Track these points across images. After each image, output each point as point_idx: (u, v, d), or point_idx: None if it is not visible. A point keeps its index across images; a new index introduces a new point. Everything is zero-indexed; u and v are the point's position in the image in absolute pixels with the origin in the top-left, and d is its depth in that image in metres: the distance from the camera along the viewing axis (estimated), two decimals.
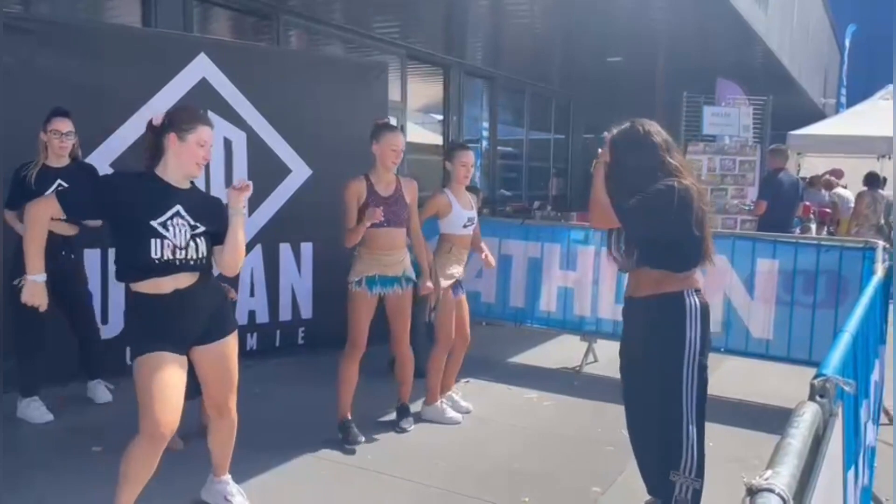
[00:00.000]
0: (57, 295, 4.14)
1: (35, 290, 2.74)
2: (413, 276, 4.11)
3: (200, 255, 2.76)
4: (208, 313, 2.84)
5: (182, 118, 2.76)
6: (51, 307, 4.11)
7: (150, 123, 2.79)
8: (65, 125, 4.09)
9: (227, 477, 3.21)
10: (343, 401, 4.03)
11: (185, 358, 2.78)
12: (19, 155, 4.15)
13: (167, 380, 2.67)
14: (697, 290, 2.87)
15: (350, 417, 4.03)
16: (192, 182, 2.87)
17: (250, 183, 2.86)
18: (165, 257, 2.66)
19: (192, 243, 2.72)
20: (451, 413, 4.43)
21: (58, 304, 4.17)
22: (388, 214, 3.90)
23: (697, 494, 2.79)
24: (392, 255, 3.97)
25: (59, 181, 4.06)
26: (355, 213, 3.88)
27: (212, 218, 2.83)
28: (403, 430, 4.23)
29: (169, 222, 2.68)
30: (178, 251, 2.68)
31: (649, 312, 2.88)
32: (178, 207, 2.73)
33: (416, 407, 4.45)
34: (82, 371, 4.56)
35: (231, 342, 2.94)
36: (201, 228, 2.76)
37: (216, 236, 2.84)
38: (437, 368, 4.41)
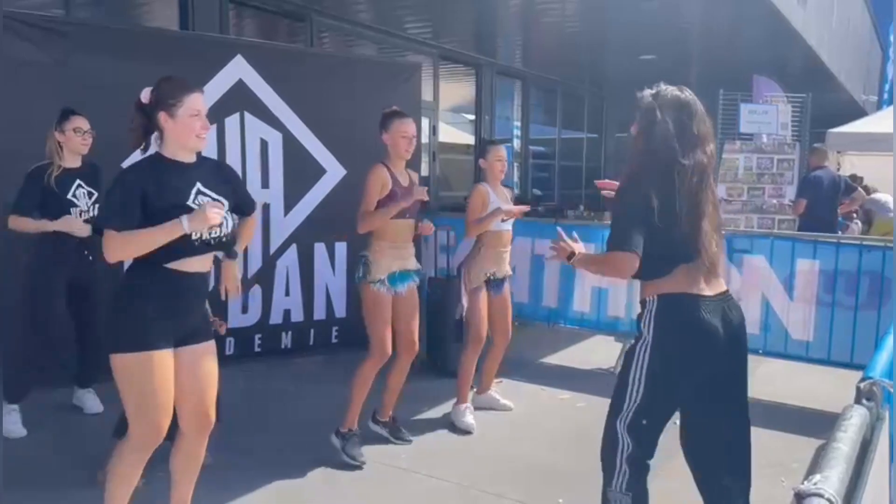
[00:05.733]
0: (70, 297, 4.06)
1: (202, 210, 2.49)
2: (421, 269, 4.05)
3: (229, 229, 2.67)
4: (202, 307, 2.72)
5: (165, 93, 2.58)
6: (62, 311, 4.03)
7: (138, 101, 2.62)
8: (85, 122, 4.05)
9: None
10: (355, 410, 3.81)
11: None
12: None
13: (167, 381, 2.55)
14: (666, 295, 2.45)
15: (357, 428, 3.84)
16: (197, 154, 2.72)
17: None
18: (203, 237, 2.58)
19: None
20: (469, 419, 4.31)
21: (68, 307, 4.09)
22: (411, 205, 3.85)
23: None
24: (410, 246, 3.92)
25: (78, 181, 4.04)
26: (375, 200, 3.73)
27: (227, 187, 2.74)
28: (405, 443, 4.05)
29: (196, 201, 2.59)
30: (213, 228, 2.58)
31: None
32: (198, 184, 2.63)
33: (445, 409, 4.46)
34: (76, 378, 4.38)
35: (213, 346, 2.75)
36: (224, 202, 2.66)
37: (236, 206, 2.78)
38: (465, 371, 4.37)
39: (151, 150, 2.66)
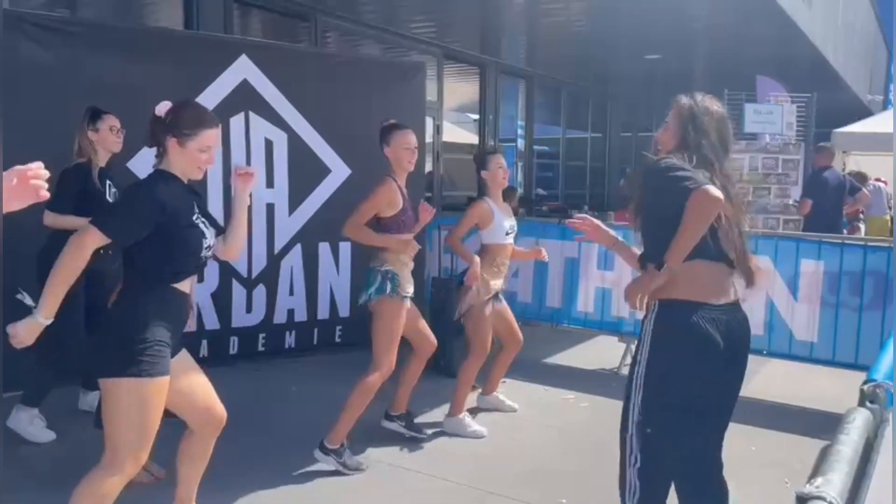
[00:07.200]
0: (87, 293, 3.84)
1: (33, 331, 2.31)
2: None
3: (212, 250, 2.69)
4: None
5: (183, 121, 2.52)
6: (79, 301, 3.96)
7: (153, 113, 2.57)
8: (117, 120, 4.02)
9: None
10: (347, 425, 3.64)
11: None
12: (63, 156, 4.06)
13: (160, 411, 2.43)
14: (687, 303, 2.29)
15: (346, 443, 3.70)
16: None
17: (255, 170, 2.81)
18: (204, 255, 2.60)
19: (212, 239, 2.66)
20: (474, 427, 4.22)
21: (86, 302, 3.93)
22: (413, 218, 3.83)
23: None
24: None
25: (108, 181, 4.03)
26: (371, 213, 3.66)
27: (206, 208, 2.73)
28: (422, 435, 4.08)
29: (197, 220, 2.58)
30: (207, 249, 2.60)
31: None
32: (195, 203, 2.62)
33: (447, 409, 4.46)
34: (86, 379, 4.20)
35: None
36: (209, 223, 2.66)
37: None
38: (468, 380, 4.26)
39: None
